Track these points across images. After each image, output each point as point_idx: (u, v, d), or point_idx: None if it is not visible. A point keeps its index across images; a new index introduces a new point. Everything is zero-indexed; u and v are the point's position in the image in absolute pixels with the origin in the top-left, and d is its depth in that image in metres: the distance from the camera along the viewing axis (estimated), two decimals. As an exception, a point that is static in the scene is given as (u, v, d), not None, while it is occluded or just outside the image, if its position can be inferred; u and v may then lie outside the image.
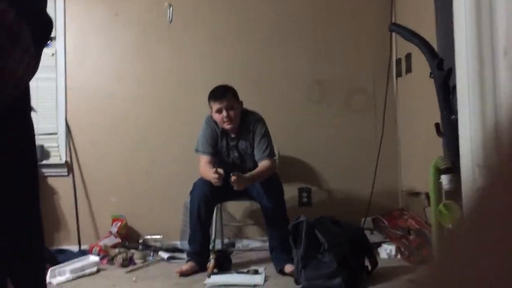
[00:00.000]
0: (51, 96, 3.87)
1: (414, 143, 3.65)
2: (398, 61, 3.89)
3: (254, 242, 3.79)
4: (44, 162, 3.81)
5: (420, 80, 3.26)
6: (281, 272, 2.89)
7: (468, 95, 1.00)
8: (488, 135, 0.87)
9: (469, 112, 1.00)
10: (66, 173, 3.83)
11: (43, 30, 1.20)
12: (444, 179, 1.63)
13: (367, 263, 2.78)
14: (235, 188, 2.84)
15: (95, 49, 3.92)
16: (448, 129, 1.67)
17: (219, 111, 3.02)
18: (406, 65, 3.71)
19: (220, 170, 2.87)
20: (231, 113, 3.02)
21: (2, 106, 1.07)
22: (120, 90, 3.90)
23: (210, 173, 2.89)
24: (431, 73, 1.85)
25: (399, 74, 3.90)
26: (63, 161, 3.83)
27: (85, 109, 3.87)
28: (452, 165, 1.63)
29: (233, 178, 2.81)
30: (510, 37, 0.72)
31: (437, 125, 1.86)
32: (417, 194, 3.54)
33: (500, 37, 0.78)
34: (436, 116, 2.21)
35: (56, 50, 3.87)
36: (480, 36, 0.92)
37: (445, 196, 1.70)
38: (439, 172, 1.72)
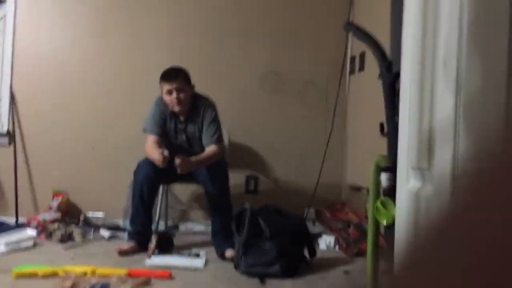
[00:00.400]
0: (-4, 61, 3.70)
1: (360, 139, 3.76)
2: (352, 59, 3.98)
3: (198, 226, 3.80)
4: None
5: (371, 79, 3.35)
6: (222, 256, 2.92)
7: (409, 99, 1.05)
8: (422, 140, 0.92)
9: (408, 116, 1.05)
10: (7, 142, 3.69)
11: None
12: (383, 177, 1.70)
13: (306, 253, 2.86)
14: (179, 171, 2.82)
15: (48, 17, 3.78)
16: (391, 129, 1.73)
17: (169, 92, 2.99)
18: (359, 63, 3.80)
19: (166, 152, 2.85)
20: (181, 95, 3.00)
21: None
22: (71, 61, 3.78)
23: (155, 154, 2.87)
24: (380, 74, 1.91)
25: (352, 72, 3.99)
26: (4, 130, 3.69)
27: (33, 77, 3.73)
28: (392, 165, 1.69)
29: (177, 161, 2.79)
30: (449, 49, 0.77)
31: (381, 125, 1.92)
32: (359, 189, 3.66)
33: (441, 45, 0.83)
34: (383, 115, 2.30)
35: (5, 14, 3.70)
36: (424, 45, 0.96)
37: (382, 194, 1.76)
38: (379, 170, 1.78)
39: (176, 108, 3.03)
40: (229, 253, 2.87)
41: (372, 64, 3.22)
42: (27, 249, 2.95)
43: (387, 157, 1.80)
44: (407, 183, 1.07)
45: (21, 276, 2.36)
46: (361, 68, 3.76)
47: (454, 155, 0.71)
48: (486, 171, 0.61)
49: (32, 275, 2.38)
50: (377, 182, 1.78)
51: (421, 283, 0.94)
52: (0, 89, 3.72)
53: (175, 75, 3.01)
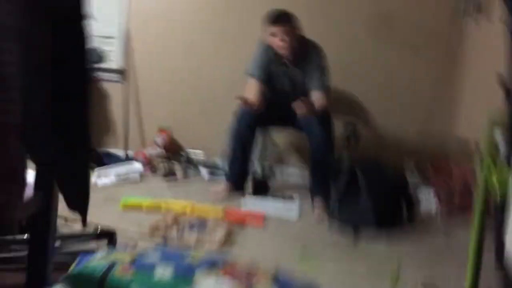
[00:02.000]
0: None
1: (474, 90, 3.46)
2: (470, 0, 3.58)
3: (294, 169, 3.81)
4: (100, 65, 3.85)
5: (490, 22, 3.02)
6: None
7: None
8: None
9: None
10: (120, 80, 3.89)
11: None
12: (498, 135, 1.52)
13: (404, 206, 2.76)
14: (298, 111, 2.75)
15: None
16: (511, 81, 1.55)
17: (274, 34, 2.92)
18: (477, 3, 3.41)
19: (261, 99, 2.80)
20: (287, 37, 2.91)
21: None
22: (180, 1, 3.83)
23: (250, 97, 2.84)
24: (503, 18, 1.68)
25: (467, 14, 3.60)
26: (118, 66, 3.87)
27: (146, 16, 3.83)
28: (510, 121, 1.51)
29: (299, 103, 2.72)
30: None
31: (501, 76, 1.72)
32: (468, 144, 3.41)
33: None
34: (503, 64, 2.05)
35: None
36: None
37: (500, 157, 1.58)
38: (495, 126, 1.60)
39: (282, 51, 2.96)
40: (317, 211, 2.81)
41: (491, 5, 2.89)
42: (134, 181, 3.16)
43: (505, 112, 1.61)
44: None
45: (128, 206, 2.54)
46: (479, 9, 3.38)
47: None
48: None
49: (138, 207, 2.55)
50: (492, 141, 1.62)
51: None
52: (116, 27, 3.85)
53: (280, 17, 2.94)
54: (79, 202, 1.35)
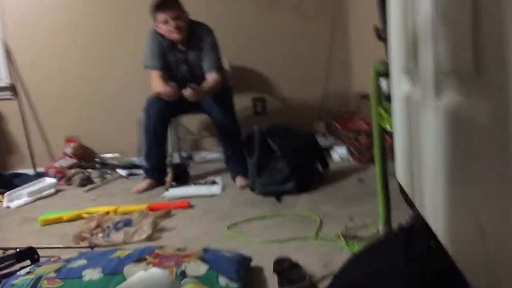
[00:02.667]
0: (-16, 15, 3.62)
1: (363, 46, 3.66)
2: (347, -39, 3.78)
3: (211, 154, 3.85)
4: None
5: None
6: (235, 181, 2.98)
7: (395, -1, 1.00)
8: (408, 40, 0.89)
9: (395, 16, 1.01)
10: (11, 96, 3.70)
11: None
12: (383, 82, 1.67)
13: (319, 166, 2.90)
14: (190, 99, 2.80)
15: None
16: (385, 33, 1.68)
17: (165, 21, 2.91)
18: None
19: (173, 84, 2.82)
20: (179, 22, 2.91)
21: None
22: (58, 4, 3.67)
23: (163, 88, 2.84)
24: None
25: (348, -25, 3.81)
26: (6, 83, 3.68)
27: (24, 26, 3.66)
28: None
29: (188, 91, 2.76)
30: None
31: (376, 28, 1.86)
32: (367, 96, 3.62)
33: None
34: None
35: (-19, -37, 3.56)
36: None
37: (384, 99, 1.74)
38: (379, 75, 1.75)
39: (176, 37, 2.94)
40: (239, 181, 2.92)
41: (366, -36, 3.06)
42: (49, 196, 3.05)
43: (385, 62, 1.75)
44: (400, 87, 1.04)
45: (47, 222, 2.46)
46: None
47: (434, 56, 0.69)
48: (465, 71, 0.59)
49: (58, 220, 2.47)
50: (378, 88, 1.76)
51: (417, 182, 0.95)
52: (-6, 43, 3.67)
53: (168, 3, 2.90)
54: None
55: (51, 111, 3.76)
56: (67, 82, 3.75)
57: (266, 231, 2.11)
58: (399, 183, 1.88)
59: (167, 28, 2.91)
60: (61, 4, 3.68)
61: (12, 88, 3.70)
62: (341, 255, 1.75)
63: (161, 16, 2.90)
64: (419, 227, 1.41)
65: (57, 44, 3.71)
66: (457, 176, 0.64)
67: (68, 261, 1.58)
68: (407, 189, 1.04)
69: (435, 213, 0.79)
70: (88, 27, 3.72)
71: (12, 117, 3.72)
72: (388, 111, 1.66)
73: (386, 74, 1.71)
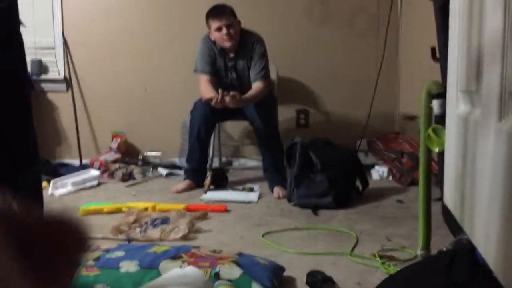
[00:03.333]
0: (48, 10, 3.78)
1: (414, 66, 3.62)
2: (405, -19, 3.75)
3: (251, 161, 3.88)
4: (43, 77, 3.80)
5: (424, 2, 3.16)
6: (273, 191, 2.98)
7: (458, 19, 0.99)
8: (471, 61, 0.87)
9: (457, 37, 0.99)
10: (65, 88, 3.84)
11: None
12: (435, 103, 1.64)
13: (358, 183, 2.87)
14: (228, 106, 2.82)
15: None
16: (443, 54, 1.65)
17: (218, 29, 2.98)
18: (412, -15, 3.58)
19: (221, 91, 2.84)
20: (231, 30, 2.98)
21: None
22: (116, 3, 3.80)
23: (210, 94, 2.89)
24: (431, -5, 1.80)
25: (404, -5, 3.77)
26: (61, 76, 3.82)
27: (82, 23, 3.80)
28: (444, 91, 1.62)
29: (227, 98, 2.79)
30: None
31: (433, 49, 1.84)
32: (413, 118, 3.56)
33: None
34: (436, 40, 2.18)
35: (50, -40, 3.73)
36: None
37: (434, 121, 1.71)
38: (431, 96, 1.72)
39: (227, 44, 3.01)
40: (276, 191, 2.91)
41: (425, -15, 3.02)
42: (92, 188, 3.13)
43: (438, 83, 1.73)
44: (457, 108, 1.03)
45: (88, 213, 2.52)
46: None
47: (502, 75, 0.67)
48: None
49: (98, 212, 2.54)
50: (429, 109, 1.73)
51: (468, 207, 0.93)
52: (54, 36, 3.81)
53: (222, 11, 2.99)
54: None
55: (101, 106, 3.88)
56: (118, 80, 3.86)
57: (300, 242, 2.10)
58: (443, 207, 1.84)
59: (220, 35, 2.98)
60: (119, 5, 3.80)
61: (66, 81, 3.83)
62: (376, 275, 1.72)
63: (215, 24, 2.97)
64: (462, 252, 1.37)
65: (112, 43, 3.83)
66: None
67: (107, 251, 1.62)
68: (455, 213, 1.02)
69: (487, 240, 0.77)
70: (142, 29, 3.83)
71: (64, 109, 3.86)
72: (437, 133, 1.63)
73: (438, 95, 1.68)
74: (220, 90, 2.83)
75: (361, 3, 3.87)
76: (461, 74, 0.97)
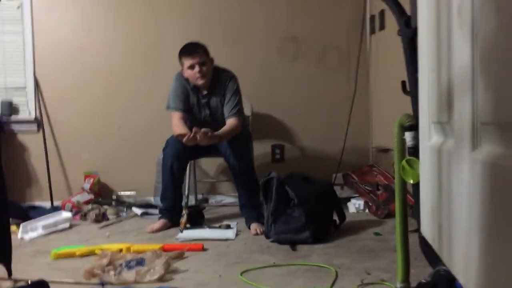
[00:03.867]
0: (19, 50, 3.76)
1: (385, 100, 3.70)
2: (372, 18, 3.88)
3: (227, 198, 3.85)
4: (14, 118, 3.74)
5: (392, 37, 3.24)
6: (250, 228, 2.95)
7: (426, 52, 1.02)
8: (441, 93, 0.89)
9: (427, 69, 1.02)
10: (36, 129, 3.78)
11: None
12: (408, 135, 1.67)
13: (335, 217, 2.87)
14: (200, 143, 2.80)
15: (62, 1, 3.79)
16: (413, 87, 1.69)
17: (191, 67, 3.00)
18: (379, 22, 3.71)
19: (194, 129, 2.82)
20: (204, 68, 3.00)
21: None
22: (89, 44, 3.81)
23: (182, 131, 2.88)
24: (399, 31, 1.85)
25: (372, 31, 3.90)
26: (32, 117, 3.77)
27: (54, 63, 3.78)
28: (415, 123, 1.66)
29: (198, 134, 2.77)
30: (463, -4, 0.73)
31: (403, 83, 1.88)
32: (386, 150, 3.62)
33: (455, -4, 0.79)
34: (406, 73, 2.24)
35: (22, 2, 3.73)
36: (439, -6, 0.93)
37: (408, 153, 1.73)
38: (403, 129, 1.75)
39: (200, 82, 3.03)
40: (253, 227, 2.88)
41: (392, 22, 3.13)
42: (63, 230, 3.04)
43: (410, 116, 1.76)
44: (429, 139, 1.04)
45: (60, 256, 2.44)
46: (382, 27, 3.67)
47: (473, 106, 0.69)
48: (508, 121, 0.58)
49: (70, 255, 2.46)
50: (402, 142, 1.75)
51: (446, 237, 0.93)
52: (25, 76, 3.78)
53: (195, 49, 3.01)
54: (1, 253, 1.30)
55: (73, 146, 3.82)
56: (91, 119, 3.82)
57: (280, 279, 2.07)
58: (420, 238, 1.84)
59: (192, 73, 2.99)
60: (92, 45, 3.81)
61: (38, 122, 3.77)
62: (358, 310, 1.70)
63: (188, 61, 2.99)
64: (442, 284, 1.37)
65: (85, 83, 3.81)
66: (495, 233, 0.62)
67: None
68: (433, 244, 1.02)
69: (467, 270, 0.76)
70: (115, 67, 3.83)
71: (35, 150, 3.78)
72: (411, 165, 1.65)
73: (410, 127, 1.71)
74: (194, 128, 2.81)
75: (331, 40, 3.97)
76: (432, 106, 0.99)
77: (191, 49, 3.02)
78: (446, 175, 0.86)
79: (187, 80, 3.07)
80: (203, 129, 2.79)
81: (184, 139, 2.80)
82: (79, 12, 3.80)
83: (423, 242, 1.59)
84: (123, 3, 3.82)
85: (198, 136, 2.77)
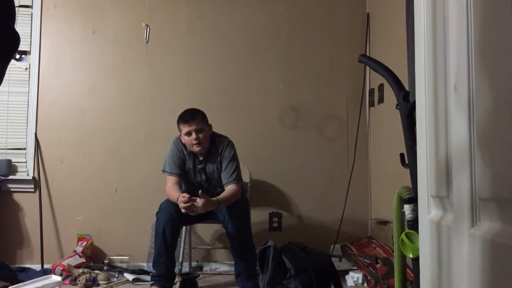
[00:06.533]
0: (22, 110, 3.82)
1: (384, 171, 3.71)
2: (371, 91, 3.97)
3: (222, 266, 3.75)
4: (11, 177, 3.73)
5: (391, 110, 3.33)
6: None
7: (425, 127, 1.03)
8: (440, 167, 0.90)
9: (425, 144, 1.03)
10: (33, 189, 3.76)
11: (9, 44, 1.20)
12: (407, 208, 1.65)
13: (333, 290, 2.79)
14: (198, 211, 2.80)
15: (69, 65, 3.90)
16: (411, 160, 1.70)
17: (188, 133, 3.02)
18: (378, 95, 3.79)
19: (186, 197, 2.81)
20: (201, 135, 3.02)
21: None
22: (91, 107, 3.87)
23: (176, 196, 2.88)
24: (397, 105, 1.89)
25: (371, 104, 3.98)
26: (30, 176, 3.76)
27: (56, 124, 3.83)
28: (415, 195, 1.65)
29: (197, 202, 2.77)
30: (459, 74, 0.75)
31: (402, 155, 1.89)
32: (385, 222, 3.57)
33: (452, 74, 0.81)
34: (404, 146, 2.26)
35: (30, 64, 3.84)
36: (436, 71, 0.95)
37: (407, 226, 1.71)
38: (402, 201, 1.74)
39: (196, 149, 3.05)
40: None
41: (391, 95, 3.20)
42: (52, 295, 2.95)
43: (409, 188, 1.76)
44: (429, 213, 1.03)
45: (45, 323, 2.35)
46: (381, 100, 3.75)
47: (471, 182, 0.69)
48: (506, 197, 0.58)
49: (56, 322, 2.36)
50: (401, 214, 1.74)
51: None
52: (26, 137, 3.81)
53: (193, 116, 3.05)
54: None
55: (69, 207, 3.78)
56: (89, 180, 3.81)
57: None
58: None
59: (189, 140, 3.02)
60: (94, 108, 3.87)
61: (35, 181, 3.76)
62: None
63: (185, 128, 3.03)
64: None
65: (85, 143, 3.84)
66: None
67: None
68: (434, 322, 0.98)
69: None
70: (115, 130, 3.87)
71: (30, 210, 3.74)
72: (411, 238, 1.62)
73: (409, 200, 1.70)
74: (199, 197, 2.79)
75: (331, 111, 4.05)
76: (431, 180, 0.99)
77: (189, 116, 3.05)
78: (446, 250, 0.84)
79: (184, 145, 3.10)
80: (202, 200, 2.77)
81: (183, 208, 2.77)
82: (84, 76, 3.90)
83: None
84: (127, 69, 3.93)
85: (197, 208, 2.75)
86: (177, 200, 2.86)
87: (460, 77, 0.76)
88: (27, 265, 3.59)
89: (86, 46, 3.91)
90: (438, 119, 0.93)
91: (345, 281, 3.24)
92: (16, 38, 1.22)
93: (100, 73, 3.92)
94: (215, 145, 3.12)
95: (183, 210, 2.79)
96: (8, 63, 1.21)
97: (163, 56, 3.95)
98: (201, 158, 3.13)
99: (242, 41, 4.03)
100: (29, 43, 3.84)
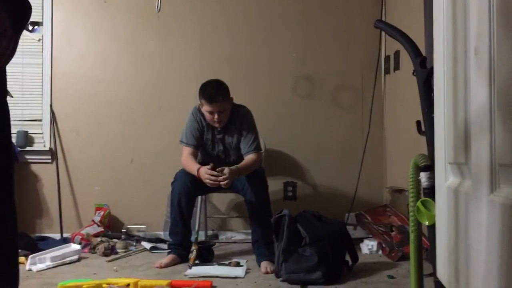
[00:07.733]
0: (37, 82, 3.84)
1: (399, 140, 3.68)
2: (387, 59, 3.90)
3: (238, 234, 3.80)
4: (28, 148, 3.78)
5: (407, 77, 3.27)
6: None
7: (443, 93, 1.01)
8: (458, 133, 0.88)
9: (443, 110, 1.01)
10: (50, 160, 3.81)
11: (21, 14, 1.19)
12: (423, 176, 1.64)
13: (348, 258, 2.80)
14: (223, 186, 2.83)
15: (82, 35, 3.89)
16: (428, 127, 1.68)
17: (210, 113, 3.00)
18: (394, 62, 3.73)
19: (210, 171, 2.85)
20: (222, 115, 3.01)
21: None
22: (105, 78, 3.88)
23: (194, 168, 2.91)
24: (414, 71, 1.85)
25: (387, 71, 3.92)
26: (47, 147, 3.80)
27: (71, 95, 3.84)
28: (431, 163, 1.63)
29: (222, 177, 2.80)
30: (480, 37, 0.73)
31: (418, 123, 1.86)
32: (401, 191, 3.57)
33: (472, 38, 0.79)
34: (420, 113, 2.23)
35: (42, 35, 3.83)
36: (455, 36, 0.92)
37: (423, 193, 1.70)
38: (418, 169, 1.72)
39: (216, 125, 3.06)
40: (264, 266, 2.83)
41: (407, 62, 3.14)
42: (72, 263, 3.02)
43: (425, 156, 1.74)
44: (446, 180, 1.02)
45: (67, 290, 2.41)
46: (397, 67, 3.69)
47: (491, 147, 0.67)
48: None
49: (77, 289, 2.42)
50: (417, 182, 1.72)
51: (463, 282, 0.90)
52: (41, 109, 3.84)
53: (216, 97, 2.95)
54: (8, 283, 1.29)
55: (86, 177, 3.83)
56: (105, 151, 3.85)
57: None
58: (436, 282, 1.78)
59: (210, 117, 3.01)
60: (108, 79, 3.87)
61: (52, 153, 3.81)
62: None
63: (207, 107, 2.98)
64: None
65: (100, 114, 3.86)
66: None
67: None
68: (450, 287, 0.98)
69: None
70: (130, 101, 3.88)
71: (47, 181, 3.80)
72: (427, 206, 1.61)
73: (426, 168, 1.69)
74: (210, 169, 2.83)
75: (346, 79, 3.99)
76: (449, 146, 0.97)
77: (212, 96, 2.95)
78: (464, 217, 0.84)
79: (203, 115, 3.08)
80: (229, 169, 2.81)
81: (209, 181, 2.81)
82: (97, 47, 3.88)
83: (439, 286, 1.54)
84: (140, 40, 3.90)
85: (224, 183, 2.79)
86: (197, 172, 2.87)
87: (481, 40, 0.74)
88: (47, 234, 3.68)
89: (98, 16, 3.88)
90: (456, 85, 0.91)
91: (360, 249, 3.26)
92: (27, 8, 1.21)
93: (113, 43, 3.90)
94: (234, 116, 3.10)
95: (209, 184, 2.82)
96: (21, 33, 1.20)
97: (175, 24, 3.91)
98: (219, 129, 3.12)
99: (256, 9, 3.96)
100: (41, 13, 3.82)
